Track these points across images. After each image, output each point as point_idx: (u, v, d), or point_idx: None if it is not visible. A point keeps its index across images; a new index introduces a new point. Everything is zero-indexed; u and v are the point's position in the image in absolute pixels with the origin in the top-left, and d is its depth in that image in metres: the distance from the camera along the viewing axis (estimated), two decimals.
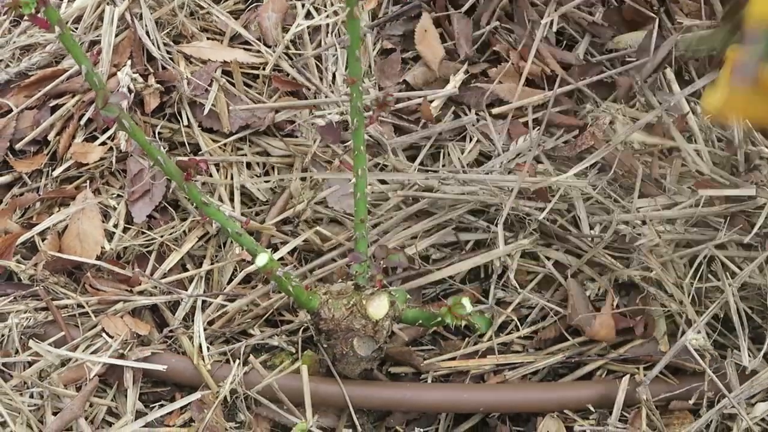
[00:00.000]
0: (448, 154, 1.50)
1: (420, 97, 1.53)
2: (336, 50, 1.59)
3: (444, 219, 1.42)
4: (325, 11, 1.62)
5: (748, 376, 1.30)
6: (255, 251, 1.18)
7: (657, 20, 1.60)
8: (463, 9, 1.63)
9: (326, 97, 1.53)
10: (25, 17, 1.01)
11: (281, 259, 1.42)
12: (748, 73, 0.99)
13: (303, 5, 1.64)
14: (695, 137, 1.48)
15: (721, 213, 1.38)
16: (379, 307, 1.21)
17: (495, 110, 1.52)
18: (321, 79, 1.57)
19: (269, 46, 1.60)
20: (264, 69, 1.58)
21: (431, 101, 1.52)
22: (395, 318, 1.24)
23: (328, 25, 1.61)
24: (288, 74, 1.57)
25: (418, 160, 1.48)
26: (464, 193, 1.41)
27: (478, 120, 1.50)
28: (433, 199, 1.42)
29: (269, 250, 1.22)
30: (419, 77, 1.56)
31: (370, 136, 1.47)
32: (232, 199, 1.49)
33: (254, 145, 1.53)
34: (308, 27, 1.61)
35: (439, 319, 1.20)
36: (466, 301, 1.19)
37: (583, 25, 1.64)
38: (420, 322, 1.26)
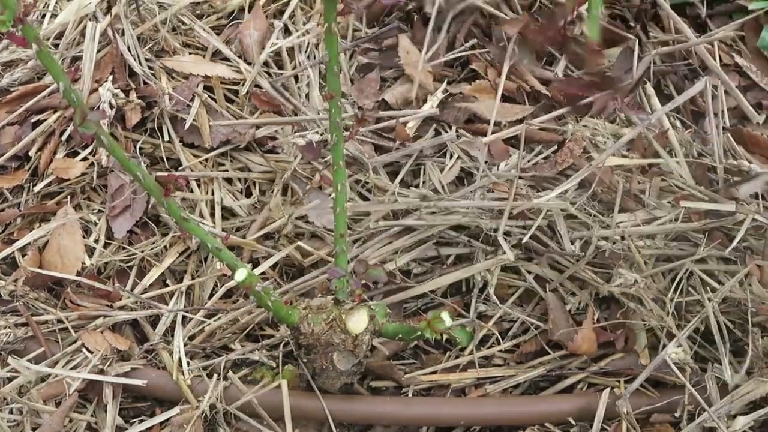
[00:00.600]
0: (428, 172, 1.49)
1: (400, 116, 1.53)
2: (309, 70, 1.59)
3: (425, 234, 1.42)
4: (298, 31, 1.62)
5: (730, 390, 1.30)
6: (234, 266, 1.18)
7: (634, 38, 1.61)
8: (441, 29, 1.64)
9: (306, 115, 1.53)
10: (3, 34, 1.02)
11: (262, 274, 1.42)
12: None
13: (280, 24, 1.64)
14: (675, 152, 1.48)
15: (701, 228, 1.38)
16: (358, 321, 1.21)
17: (474, 127, 1.52)
18: (299, 98, 1.57)
19: (250, 63, 1.60)
20: (244, 85, 1.58)
21: (405, 123, 1.52)
22: (375, 332, 1.24)
23: (300, 45, 1.61)
24: (266, 92, 1.57)
25: (399, 177, 1.48)
26: (447, 214, 1.42)
27: (458, 137, 1.50)
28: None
29: (250, 265, 1.22)
30: (398, 96, 1.56)
31: (350, 154, 1.47)
32: (213, 215, 1.49)
33: (235, 161, 1.53)
34: (286, 46, 1.61)
35: (419, 333, 1.20)
36: (445, 316, 1.18)
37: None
38: (400, 336, 1.25)
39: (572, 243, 1.40)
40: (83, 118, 1.06)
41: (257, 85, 1.58)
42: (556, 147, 1.51)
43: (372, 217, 1.44)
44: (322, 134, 1.49)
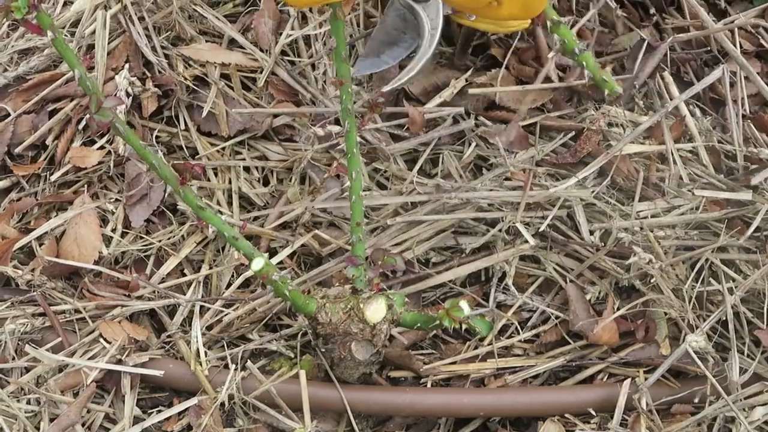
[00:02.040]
0: (446, 160, 1.48)
1: (418, 106, 1.52)
2: (325, 58, 1.57)
3: (444, 224, 1.41)
4: (314, 20, 1.61)
5: (750, 381, 1.29)
6: (251, 255, 1.18)
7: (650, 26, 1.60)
8: None
9: (325, 106, 1.52)
10: (18, 22, 1.01)
11: (280, 263, 1.41)
12: None
13: (295, 13, 1.63)
14: (695, 140, 1.47)
15: (721, 217, 1.37)
16: (376, 310, 1.21)
17: (493, 114, 1.51)
18: (317, 86, 1.56)
19: (264, 51, 1.59)
20: (261, 73, 1.57)
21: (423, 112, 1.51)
22: (393, 321, 1.24)
23: (318, 34, 1.60)
24: (283, 81, 1.56)
25: (417, 166, 1.46)
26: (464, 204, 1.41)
27: (477, 125, 1.49)
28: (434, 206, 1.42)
29: (267, 254, 1.22)
30: (418, 84, 1.55)
31: (366, 141, 1.46)
32: (230, 203, 1.48)
33: (252, 149, 1.52)
34: (302, 35, 1.60)
35: (438, 322, 1.19)
36: (464, 304, 1.18)
37: (581, 29, 1.62)
38: (418, 325, 1.25)
39: (591, 233, 1.39)
40: (99, 105, 1.06)
41: (274, 73, 1.57)
42: (574, 134, 1.49)
43: (389, 208, 1.43)
44: (340, 124, 1.49)
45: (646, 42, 1.55)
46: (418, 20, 1.42)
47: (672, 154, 1.44)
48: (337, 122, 1.49)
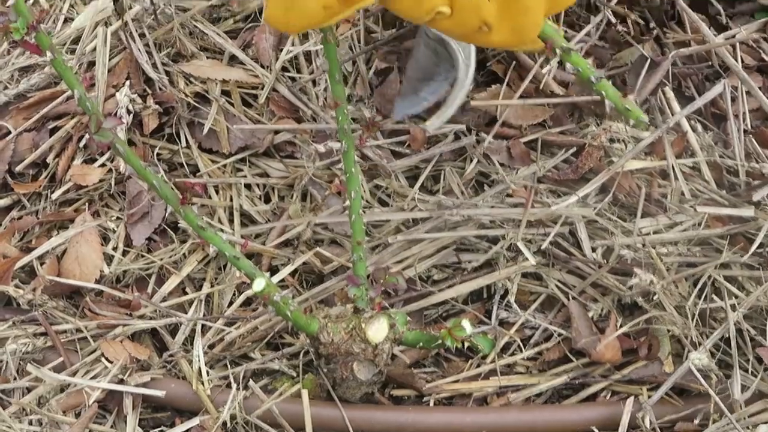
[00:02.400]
0: (448, 177, 1.48)
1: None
2: (325, 75, 1.57)
3: (445, 241, 1.41)
4: (315, 36, 1.61)
5: (753, 398, 1.29)
6: (253, 275, 1.17)
7: (652, 39, 1.60)
8: None
9: (326, 123, 1.51)
10: (17, 42, 1.01)
11: (281, 281, 1.41)
12: None
13: None
14: (697, 155, 1.47)
15: (723, 234, 1.37)
16: (378, 330, 1.20)
17: (494, 130, 1.51)
18: (317, 103, 1.56)
19: (265, 67, 1.59)
20: (262, 89, 1.57)
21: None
22: (395, 341, 1.23)
23: (318, 51, 1.60)
24: (284, 98, 1.56)
25: (419, 182, 1.46)
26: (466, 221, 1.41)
27: (478, 142, 1.49)
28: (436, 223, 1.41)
29: (268, 273, 1.22)
30: None
31: (367, 159, 1.46)
32: (231, 221, 1.48)
33: (254, 167, 1.52)
34: (303, 51, 1.60)
35: (440, 341, 1.19)
36: (466, 323, 1.18)
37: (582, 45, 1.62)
38: (421, 344, 1.25)
39: (594, 250, 1.39)
40: (98, 126, 1.06)
41: (274, 90, 1.57)
42: (576, 150, 1.49)
43: (391, 225, 1.43)
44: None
45: (648, 58, 1.55)
46: (449, 51, 1.40)
47: (674, 170, 1.44)
48: (338, 138, 1.49)
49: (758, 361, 1.33)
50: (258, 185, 1.51)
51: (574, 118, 1.55)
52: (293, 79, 1.58)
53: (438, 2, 1.00)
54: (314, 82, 1.58)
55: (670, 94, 1.54)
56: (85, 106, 1.06)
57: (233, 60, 1.62)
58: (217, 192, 1.50)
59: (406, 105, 1.43)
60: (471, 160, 1.48)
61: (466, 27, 1.04)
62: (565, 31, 1.59)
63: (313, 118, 1.53)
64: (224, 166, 1.52)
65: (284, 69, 1.60)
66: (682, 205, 1.41)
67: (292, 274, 1.43)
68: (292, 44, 1.60)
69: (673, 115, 1.51)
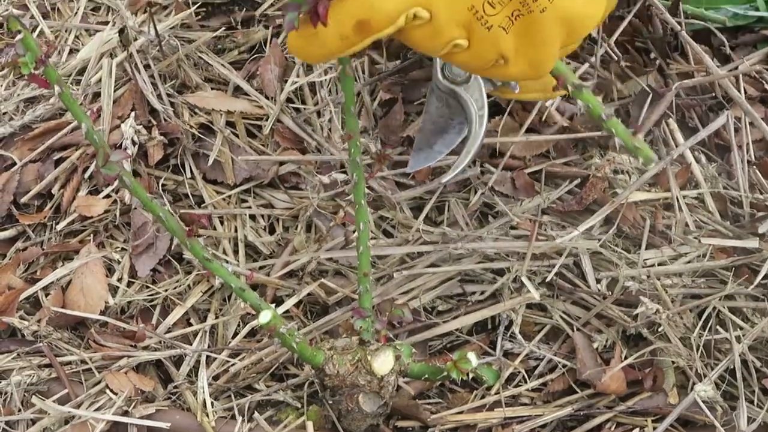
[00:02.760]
0: (452, 208, 1.48)
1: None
2: (331, 107, 1.57)
3: (450, 273, 1.41)
4: (320, 67, 1.62)
5: (759, 430, 1.29)
6: (259, 307, 1.18)
7: (655, 70, 1.61)
8: None
9: (331, 154, 1.52)
10: (25, 76, 1.02)
11: (286, 312, 1.41)
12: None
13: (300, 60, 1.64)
14: (700, 187, 1.47)
15: (727, 265, 1.37)
16: (384, 362, 1.20)
17: (497, 161, 1.51)
18: (322, 134, 1.56)
19: (270, 98, 1.60)
20: (266, 120, 1.57)
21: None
22: (401, 373, 1.23)
23: (322, 82, 1.60)
24: (289, 129, 1.56)
25: (423, 214, 1.47)
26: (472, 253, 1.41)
27: (482, 173, 1.49)
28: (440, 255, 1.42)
29: (273, 304, 1.22)
30: None
31: (372, 190, 1.46)
32: (235, 251, 1.48)
33: (258, 197, 1.53)
34: (307, 82, 1.61)
35: (445, 373, 1.20)
36: (471, 356, 1.18)
37: (586, 77, 1.63)
38: (426, 376, 1.24)
39: (598, 281, 1.39)
40: (106, 159, 1.06)
41: (279, 121, 1.57)
42: (580, 181, 1.50)
43: (395, 257, 1.43)
44: (345, 172, 1.49)
45: (650, 90, 1.55)
46: (462, 103, 1.40)
47: (678, 201, 1.44)
48: (342, 167, 1.49)
49: (763, 392, 1.33)
50: (263, 216, 1.51)
51: (578, 149, 1.55)
52: (297, 110, 1.59)
53: (455, 35, 1.01)
54: (319, 114, 1.59)
55: (674, 126, 1.54)
56: (93, 139, 1.06)
57: (238, 91, 1.62)
58: (221, 223, 1.51)
59: (421, 158, 1.42)
60: (475, 191, 1.49)
61: (482, 60, 1.04)
62: (568, 62, 1.60)
63: (318, 149, 1.54)
64: (229, 197, 1.52)
65: (289, 100, 1.61)
66: (686, 237, 1.41)
67: (297, 305, 1.43)
68: (297, 75, 1.61)
69: (677, 146, 1.51)
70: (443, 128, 1.42)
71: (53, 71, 1.03)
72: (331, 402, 1.26)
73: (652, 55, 1.65)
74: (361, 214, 1.22)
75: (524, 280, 1.38)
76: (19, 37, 1.00)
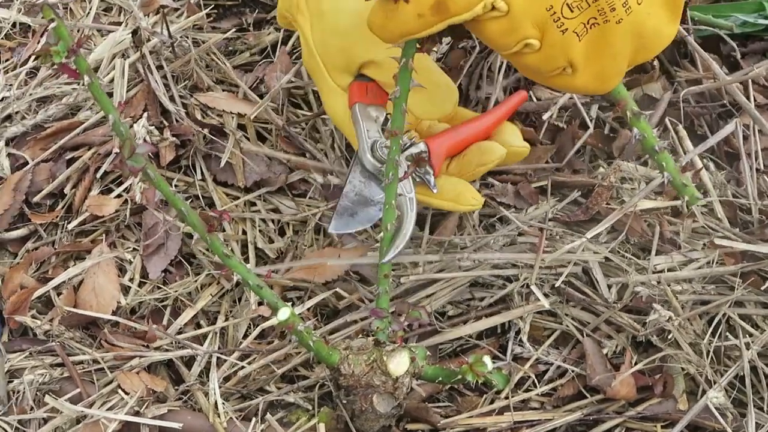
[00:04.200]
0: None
1: None
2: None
3: (460, 281, 1.42)
4: None
5: None
6: (276, 305, 1.18)
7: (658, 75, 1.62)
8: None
9: (332, 162, 1.53)
10: (53, 66, 1.02)
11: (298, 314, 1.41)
12: None
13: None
14: (709, 194, 1.48)
15: (737, 271, 1.38)
16: (399, 363, 1.21)
17: (500, 178, 1.53)
18: (327, 141, 1.57)
19: (277, 104, 1.60)
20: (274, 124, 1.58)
21: None
22: (415, 375, 1.24)
23: None
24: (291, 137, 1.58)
25: (427, 224, 1.48)
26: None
27: (487, 186, 1.50)
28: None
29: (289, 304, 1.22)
30: None
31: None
32: (243, 253, 1.49)
33: (267, 203, 1.53)
34: (312, 90, 1.61)
35: (460, 376, 1.20)
36: (487, 359, 1.18)
37: None
38: (440, 379, 1.25)
39: (609, 288, 1.40)
40: (132, 151, 1.07)
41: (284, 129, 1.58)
42: (586, 191, 1.51)
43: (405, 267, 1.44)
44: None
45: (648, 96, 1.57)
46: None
47: (687, 208, 1.45)
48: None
49: None
50: (273, 221, 1.51)
51: (585, 157, 1.56)
52: (299, 116, 1.60)
53: (530, 33, 1.01)
54: (324, 121, 1.59)
55: (683, 133, 1.55)
56: (119, 131, 1.06)
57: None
58: (230, 225, 1.51)
59: (341, 224, 1.40)
60: None
61: (551, 65, 1.04)
62: None
63: (320, 157, 1.54)
64: (237, 198, 1.53)
65: (296, 105, 1.61)
66: (695, 242, 1.42)
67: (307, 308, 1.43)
68: (294, 77, 1.62)
69: (685, 153, 1.52)
70: (366, 201, 1.40)
71: (84, 61, 1.04)
72: (345, 402, 1.26)
73: (654, 62, 1.66)
74: (389, 214, 1.22)
75: (534, 289, 1.38)
76: (52, 25, 1.01)
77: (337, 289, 1.43)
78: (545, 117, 1.55)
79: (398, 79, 1.15)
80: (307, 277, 1.42)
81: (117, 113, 1.05)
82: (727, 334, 1.36)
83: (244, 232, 1.50)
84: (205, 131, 1.55)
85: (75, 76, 1.03)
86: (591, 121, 1.57)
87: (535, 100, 1.62)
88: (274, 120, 1.58)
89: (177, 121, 1.57)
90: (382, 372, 1.21)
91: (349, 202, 1.39)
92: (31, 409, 1.32)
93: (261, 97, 1.61)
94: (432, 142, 1.34)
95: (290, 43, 1.70)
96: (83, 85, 1.07)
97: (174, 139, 1.55)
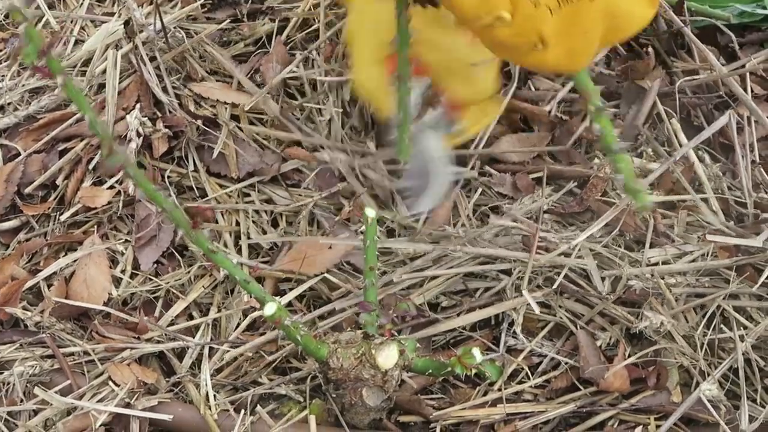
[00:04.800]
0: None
1: None
2: (330, 101, 1.57)
3: (453, 271, 1.41)
4: (319, 65, 1.62)
5: (763, 429, 1.28)
6: (263, 299, 1.17)
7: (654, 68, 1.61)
8: None
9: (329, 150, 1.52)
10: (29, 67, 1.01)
11: (289, 304, 1.41)
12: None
13: (302, 55, 1.63)
14: (704, 186, 1.47)
15: (731, 264, 1.37)
16: (388, 356, 1.20)
17: (498, 167, 1.52)
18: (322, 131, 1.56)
19: (273, 96, 1.59)
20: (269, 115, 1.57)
21: None
22: (405, 367, 1.23)
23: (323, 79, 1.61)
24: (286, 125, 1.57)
25: (423, 217, 1.48)
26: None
27: (482, 174, 1.49)
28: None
29: (277, 297, 1.21)
30: None
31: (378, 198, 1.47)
32: (235, 244, 1.48)
33: (261, 193, 1.52)
34: (308, 78, 1.61)
35: (449, 369, 1.19)
36: (476, 351, 1.18)
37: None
38: (430, 371, 1.24)
39: (602, 281, 1.39)
40: (110, 150, 1.06)
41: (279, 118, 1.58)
42: (582, 181, 1.50)
43: (398, 256, 1.43)
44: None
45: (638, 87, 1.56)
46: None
47: (683, 202, 1.45)
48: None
49: (767, 391, 1.32)
50: (266, 211, 1.51)
51: (581, 149, 1.55)
52: (296, 104, 1.59)
53: (501, 5, 1.00)
54: (319, 111, 1.58)
55: (677, 126, 1.54)
56: (96, 130, 1.05)
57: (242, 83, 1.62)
58: (223, 216, 1.50)
59: (425, 203, 1.43)
60: (475, 191, 1.49)
61: (523, 38, 1.03)
62: None
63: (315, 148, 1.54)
64: (232, 191, 1.52)
65: (291, 96, 1.60)
66: (689, 235, 1.41)
67: (299, 298, 1.43)
68: (297, 67, 1.61)
69: (681, 146, 1.51)
70: (427, 172, 1.42)
71: (56, 62, 1.03)
72: (334, 395, 1.26)
73: (660, 54, 1.65)
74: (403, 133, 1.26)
75: (524, 293, 1.37)
76: (21, 27, 1.00)
77: (327, 275, 1.42)
78: (547, 109, 1.54)
79: (397, 27, 1.18)
80: (299, 268, 1.42)
81: (93, 112, 1.04)
82: (722, 326, 1.35)
83: (238, 223, 1.50)
84: (198, 122, 1.54)
85: (49, 76, 1.02)
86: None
87: (533, 89, 1.61)
88: (271, 109, 1.57)
89: (170, 112, 1.56)
90: (371, 365, 1.20)
91: (416, 181, 1.42)
92: (21, 401, 1.32)
93: (256, 87, 1.60)
94: None
95: (285, 33, 1.69)
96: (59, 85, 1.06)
97: (167, 130, 1.54)
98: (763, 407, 1.30)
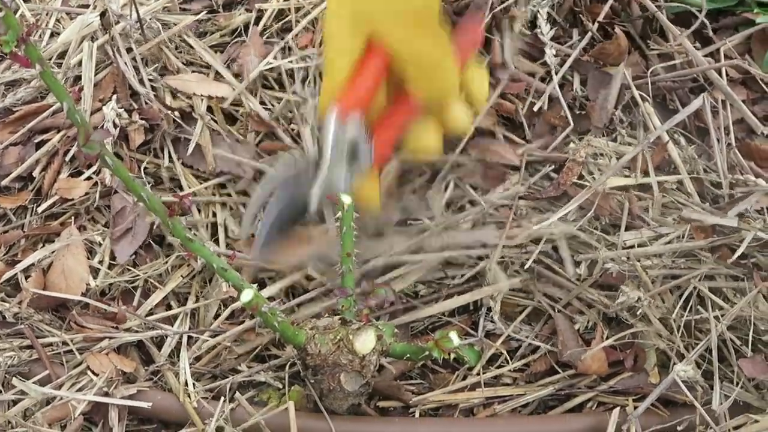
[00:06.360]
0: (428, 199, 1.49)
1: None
2: (307, 94, 1.57)
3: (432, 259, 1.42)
4: (294, 55, 1.62)
5: (741, 409, 1.30)
6: (240, 287, 1.17)
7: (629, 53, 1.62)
8: None
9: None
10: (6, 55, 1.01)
11: (271, 298, 1.41)
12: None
13: (279, 45, 1.63)
14: (679, 169, 1.48)
15: (707, 246, 1.37)
16: (365, 341, 1.20)
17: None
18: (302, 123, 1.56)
19: (249, 89, 1.59)
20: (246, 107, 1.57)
21: None
22: (383, 352, 1.23)
23: (301, 70, 1.61)
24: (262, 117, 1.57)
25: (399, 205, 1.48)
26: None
27: (458, 165, 1.50)
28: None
29: (256, 285, 1.22)
30: None
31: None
32: (212, 235, 1.48)
33: (237, 184, 1.52)
34: (285, 68, 1.61)
35: (427, 353, 1.20)
36: (453, 335, 1.18)
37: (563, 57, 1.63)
38: (408, 356, 1.25)
39: (578, 264, 1.39)
40: (87, 138, 1.06)
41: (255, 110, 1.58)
42: (558, 165, 1.50)
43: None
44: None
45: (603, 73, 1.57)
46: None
47: (659, 184, 1.45)
48: None
49: (742, 371, 1.33)
50: (242, 204, 1.51)
51: (557, 133, 1.55)
52: (272, 98, 1.59)
53: None
54: (297, 104, 1.58)
55: (650, 109, 1.55)
56: (74, 118, 1.05)
57: (220, 74, 1.62)
58: (199, 210, 1.50)
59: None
60: (449, 185, 1.49)
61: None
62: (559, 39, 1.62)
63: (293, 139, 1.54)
64: (207, 181, 1.52)
65: (268, 87, 1.60)
66: (663, 218, 1.42)
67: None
68: (274, 57, 1.61)
69: (655, 129, 1.51)
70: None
71: (35, 50, 1.03)
72: (312, 381, 1.26)
73: (636, 38, 1.66)
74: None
75: (497, 270, 1.38)
76: (0, 15, 1.00)
77: (307, 269, 1.42)
78: (525, 108, 1.56)
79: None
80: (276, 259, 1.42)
81: (71, 100, 1.04)
82: (698, 307, 1.36)
83: (215, 215, 1.50)
84: (174, 114, 1.54)
85: (27, 64, 1.02)
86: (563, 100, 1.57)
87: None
88: (248, 102, 1.57)
89: (146, 103, 1.56)
90: (349, 350, 1.20)
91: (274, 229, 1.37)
92: None
93: (233, 77, 1.61)
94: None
95: (262, 23, 1.69)
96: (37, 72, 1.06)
97: (143, 122, 1.54)
98: (741, 388, 1.31)
